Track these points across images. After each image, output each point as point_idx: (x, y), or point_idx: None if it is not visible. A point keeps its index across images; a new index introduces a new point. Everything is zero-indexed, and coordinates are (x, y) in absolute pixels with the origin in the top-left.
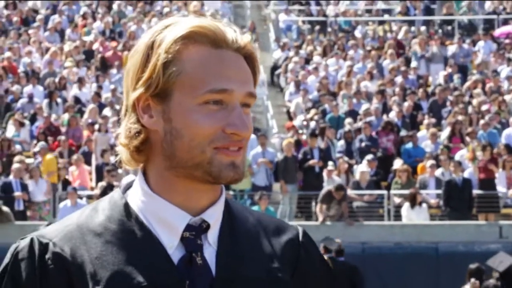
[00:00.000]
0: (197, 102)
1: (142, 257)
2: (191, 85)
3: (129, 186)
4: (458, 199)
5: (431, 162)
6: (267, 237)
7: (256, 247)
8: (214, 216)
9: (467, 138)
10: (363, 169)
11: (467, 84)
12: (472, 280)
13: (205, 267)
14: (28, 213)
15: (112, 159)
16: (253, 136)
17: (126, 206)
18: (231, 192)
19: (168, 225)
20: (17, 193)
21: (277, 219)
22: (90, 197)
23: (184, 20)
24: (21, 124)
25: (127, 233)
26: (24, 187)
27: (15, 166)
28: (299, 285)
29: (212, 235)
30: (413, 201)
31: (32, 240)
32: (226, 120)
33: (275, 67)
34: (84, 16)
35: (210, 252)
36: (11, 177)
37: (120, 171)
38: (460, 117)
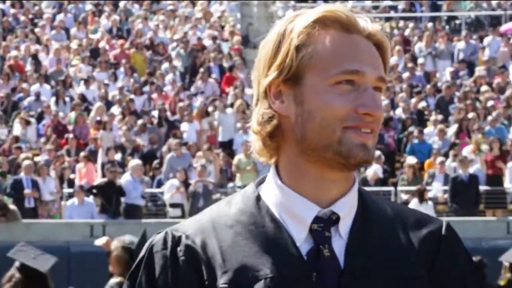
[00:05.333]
0: (329, 82)
1: (271, 249)
2: (324, 67)
3: (263, 180)
4: (464, 195)
5: (440, 158)
6: (405, 230)
7: (390, 241)
8: (345, 208)
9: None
10: (375, 168)
11: (471, 80)
12: None
13: (332, 259)
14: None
15: (117, 157)
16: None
17: (258, 199)
18: (238, 186)
19: (296, 217)
20: (27, 191)
21: (420, 212)
22: (94, 195)
23: (318, 7)
24: (27, 123)
25: (257, 225)
26: (35, 184)
27: (26, 163)
28: (438, 282)
29: (344, 227)
30: (421, 197)
31: (166, 233)
32: (359, 100)
33: None
34: (90, 14)
35: (340, 245)
36: (22, 174)
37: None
38: (468, 114)
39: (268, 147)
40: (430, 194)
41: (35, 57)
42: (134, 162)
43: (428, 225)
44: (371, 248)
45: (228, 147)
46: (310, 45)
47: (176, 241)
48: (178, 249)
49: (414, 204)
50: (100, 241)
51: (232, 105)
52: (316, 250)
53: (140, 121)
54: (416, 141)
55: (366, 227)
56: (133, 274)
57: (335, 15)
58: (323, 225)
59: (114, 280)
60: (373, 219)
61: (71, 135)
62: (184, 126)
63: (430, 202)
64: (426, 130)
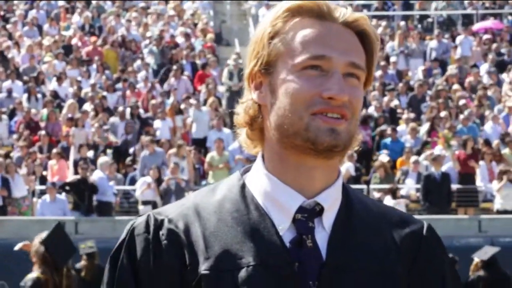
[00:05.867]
0: (296, 69)
1: (254, 236)
2: (292, 53)
3: (248, 169)
4: (436, 194)
5: (414, 157)
6: (388, 229)
7: (373, 237)
8: (329, 200)
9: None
10: (347, 165)
11: (442, 78)
12: None
13: (315, 250)
14: (9, 208)
15: (89, 154)
16: (229, 131)
17: (243, 187)
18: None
19: (280, 206)
20: None
21: (403, 212)
22: (67, 192)
23: None
24: None
25: (241, 212)
26: (5, 182)
27: None
28: (416, 281)
29: (328, 220)
30: (394, 195)
31: (148, 216)
32: (324, 85)
33: None
34: (63, 11)
35: (323, 236)
36: None
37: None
38: (440, 113)
39: (250, 138)
40: (402, 192)
41: (1, 53)
42: (103, 159)
43: (410, 225)
44: (354, 243)
45: (202, 145)
46: (282, 33)
47: (159, 224)
48: (161, 232)
49: (386, 202)
50: (18, 246)
51: (205, 103)
52: (299, 240)
53: (115, 117)
54: (389, 139)
55: (349, 221)
56: (114, 257)
57: (308, 4)
58: (307, 216)
59: (30, 276)
60: (357, 214)
61: (43, 132)
62: (157, 124)
63: (402, 200)
64: (398, 128)
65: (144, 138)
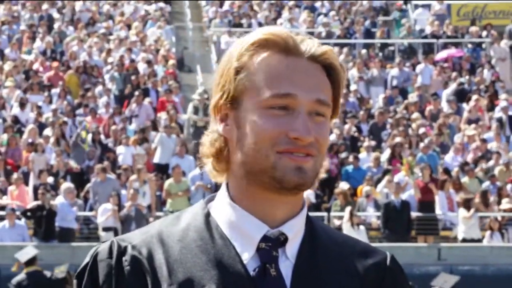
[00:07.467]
0: (262, 106)
1: (217, 265)
2: (258, 90)
3: (213, 197)
4: (396, 222)
5: (367, 188)
6: (352, 258)
7: (337, 266)
8: (294, 229)
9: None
10: (307, 193)
11: (402, 107)
12: None
13: (279, 279)
14: None
15: (49, 180)
16: (191, 158)
17: (207, 215)
18: (170, 211)
19: (245, 235)
20: None
21: (366, 243)
22: (29, 218)
23: (259, 29)
24: None
25: (205, 241)
26: None
27: None
28: None
29: (291, 249)
30: (351, 220)
31: (112, 243)
32: (291, 125)
33: None
34: (25, 36)
35: (287, 266)
36: None
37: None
38: (399, 139)
39: (216, 169)
40: (363, 220)
41: None
42: (66, 185)
43: (374, 256)
44: (318, 272)
45: (164, 171)
46: (248, 68)
47: (122, 250)
48: (124, 258)
49: (346, 229)
50: None
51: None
52: (262, 269)
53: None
54: (351, 166)
55: (313, 251)
56: (78, 281)
57: (274, 38)
58: (271, 245)
59: None
60: (321, 244)
61: None
62: (120, 149)
63: (362, 228)
64: (360, 156)
65: (96, 166)
